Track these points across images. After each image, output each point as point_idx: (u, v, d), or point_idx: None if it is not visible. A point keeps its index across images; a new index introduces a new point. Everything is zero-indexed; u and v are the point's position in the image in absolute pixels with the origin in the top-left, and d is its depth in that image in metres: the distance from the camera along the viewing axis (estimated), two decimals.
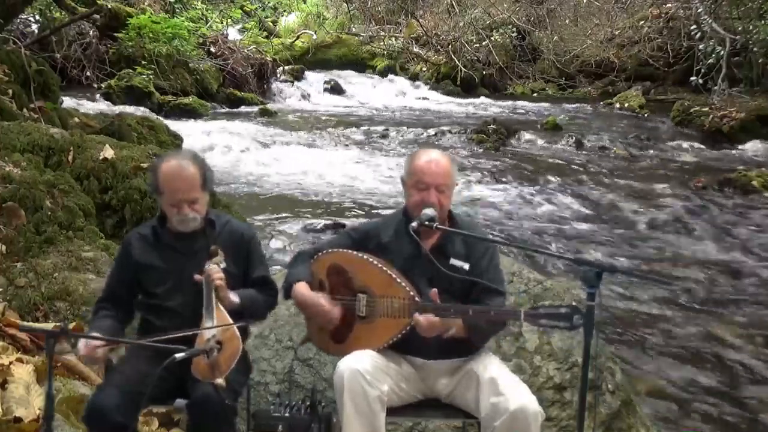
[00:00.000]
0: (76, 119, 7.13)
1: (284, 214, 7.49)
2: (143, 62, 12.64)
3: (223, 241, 2.75)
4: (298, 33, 20.84)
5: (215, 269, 2.60)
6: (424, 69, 19.62)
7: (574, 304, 2.59)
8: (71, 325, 3.36)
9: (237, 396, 2.65)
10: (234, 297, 2.67)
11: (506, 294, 2.87)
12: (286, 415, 2.70)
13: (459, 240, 2.76)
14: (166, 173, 2.67)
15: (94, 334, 2.60)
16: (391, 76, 19.22)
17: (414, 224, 2.66)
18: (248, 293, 2.75)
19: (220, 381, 2.43)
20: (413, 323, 2.56)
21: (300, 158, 10.04)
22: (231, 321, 2.57)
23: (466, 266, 2.70)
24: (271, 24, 21.15)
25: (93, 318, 2.81)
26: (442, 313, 2.56)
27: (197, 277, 2.61)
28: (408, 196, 2.77)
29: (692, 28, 14.43)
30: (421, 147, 2.78)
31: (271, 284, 2.87)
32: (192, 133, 10.11)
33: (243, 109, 14.15)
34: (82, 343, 2.56)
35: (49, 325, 3.30)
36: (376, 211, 7.74)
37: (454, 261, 2.70)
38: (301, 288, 2.71)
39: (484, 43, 18.49)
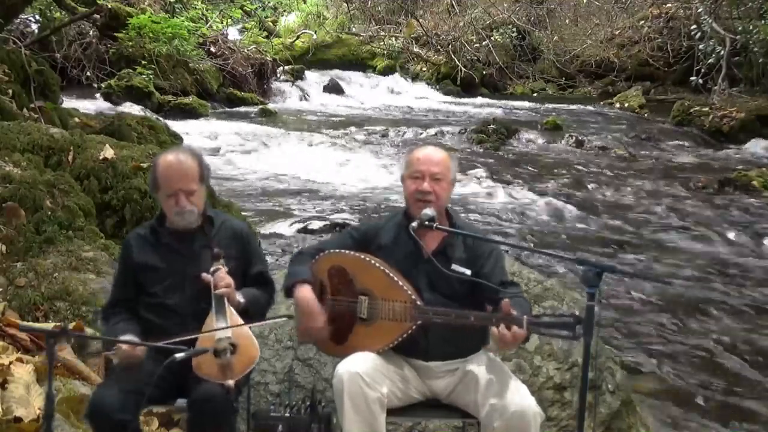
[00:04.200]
0: (76, 119, 7.11)
1: (284, 214, 7.48)
2: (143, 62, 12.65)
3: (221, 239, 2.76)
4: (298, 33, 20.82)
5: (222, 274, 2.59)
6: (424, 69, 19.62)
7: (576, 313, 2.56)
8: (71, 325, 3.36)
9: (237, 396, 2.65)
10: (240, 297, 2.67)
11: (518, 284, 2.86)
12: (286, 415, 2.70)
13: (461, 244, 2.74)
14: (163, 165, 2.71)
15: (102, 336, 2.60)
16: (391, 76, 19.21)
17: (413, 224, 2.64)
18: (251, 292, 2.75)
19: (230, 383, 2.43)
20: (494, 339, 2.46)
21: (300, 158, 10.04)
22: (243, 324, 2.57)
23: (468, 272, 2.67)
24: (271, 24, 21.13)
25: (104, 325, 2.80)
26: (443, 319, 2.55)
27: (205, 276, 2.61)
28: (405, 189, 2.75)
29: (692, 28, 14.47)
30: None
31: (269, 281, 2.87)
32: (192, 133, 10.11)
33: (243, 109, 14.16)
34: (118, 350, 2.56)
35: (49, 325, 3.29)
36: (375, 210, 7.74)
37: (456, 267, 2.67)
38: (306, 292, 2.68)
39: (484, 43, 18.50)
